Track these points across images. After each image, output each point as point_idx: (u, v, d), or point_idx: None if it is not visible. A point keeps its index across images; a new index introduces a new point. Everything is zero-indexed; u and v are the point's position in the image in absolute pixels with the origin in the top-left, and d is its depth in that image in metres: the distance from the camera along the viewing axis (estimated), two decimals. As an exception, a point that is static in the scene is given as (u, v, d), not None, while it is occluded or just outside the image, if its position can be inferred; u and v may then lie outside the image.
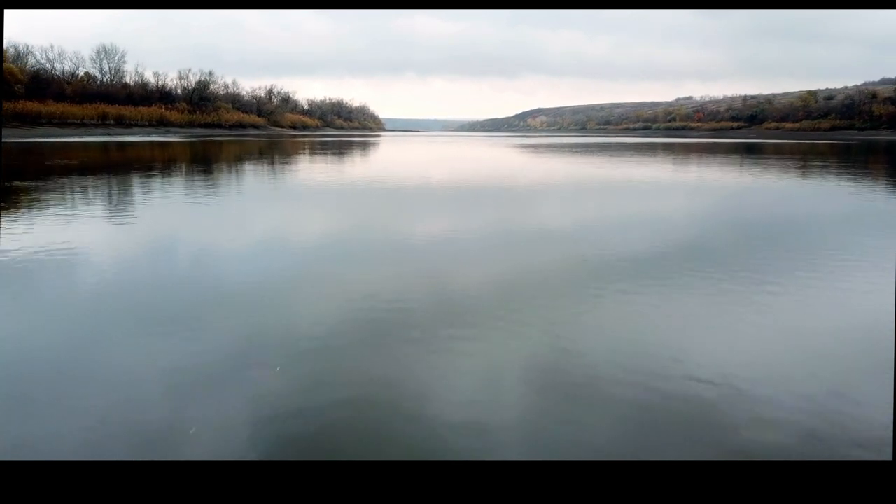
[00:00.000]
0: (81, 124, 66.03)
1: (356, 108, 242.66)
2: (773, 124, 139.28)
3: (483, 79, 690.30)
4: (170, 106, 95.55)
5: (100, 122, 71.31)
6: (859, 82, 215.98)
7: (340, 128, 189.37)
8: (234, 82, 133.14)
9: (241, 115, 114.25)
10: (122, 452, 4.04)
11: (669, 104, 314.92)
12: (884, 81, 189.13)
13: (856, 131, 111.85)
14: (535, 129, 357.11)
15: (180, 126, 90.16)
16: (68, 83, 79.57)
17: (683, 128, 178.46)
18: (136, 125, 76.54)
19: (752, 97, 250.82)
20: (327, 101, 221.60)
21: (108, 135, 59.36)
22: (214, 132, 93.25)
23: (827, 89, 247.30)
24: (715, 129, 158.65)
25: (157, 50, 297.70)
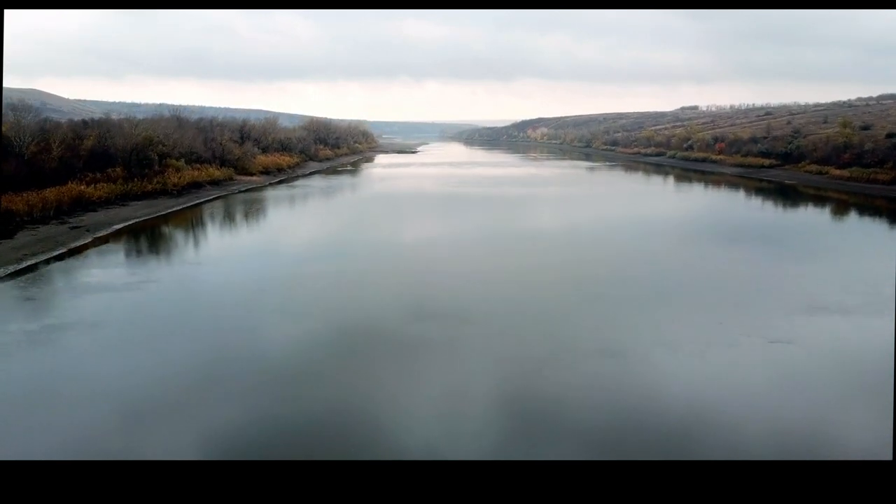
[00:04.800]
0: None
1: (344, 129, 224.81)
2: (814, 167, 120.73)
3: (478, 82, 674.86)
4: (97, 175, 77.90)
5: (-30, 229, 53.42)
6: (874, 92, 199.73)
7: (325, 159, 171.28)
8: (196, 124, 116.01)
9: (195, 171, 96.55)
10: None
11: (675, 115, 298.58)
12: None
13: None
14: (537, 142, 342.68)
15: (106, 204, 72.47)
16: (-54, 166, 62.13)
17: (704, 159, 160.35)
18: (28, 222, 58.80)
19: (769, 113, 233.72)
20: (315, 120, 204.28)
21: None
22: (153, 206, 75.95)
23: (844, 102, 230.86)
24: (742, 165, 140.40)
25: (146, 53, 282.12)
